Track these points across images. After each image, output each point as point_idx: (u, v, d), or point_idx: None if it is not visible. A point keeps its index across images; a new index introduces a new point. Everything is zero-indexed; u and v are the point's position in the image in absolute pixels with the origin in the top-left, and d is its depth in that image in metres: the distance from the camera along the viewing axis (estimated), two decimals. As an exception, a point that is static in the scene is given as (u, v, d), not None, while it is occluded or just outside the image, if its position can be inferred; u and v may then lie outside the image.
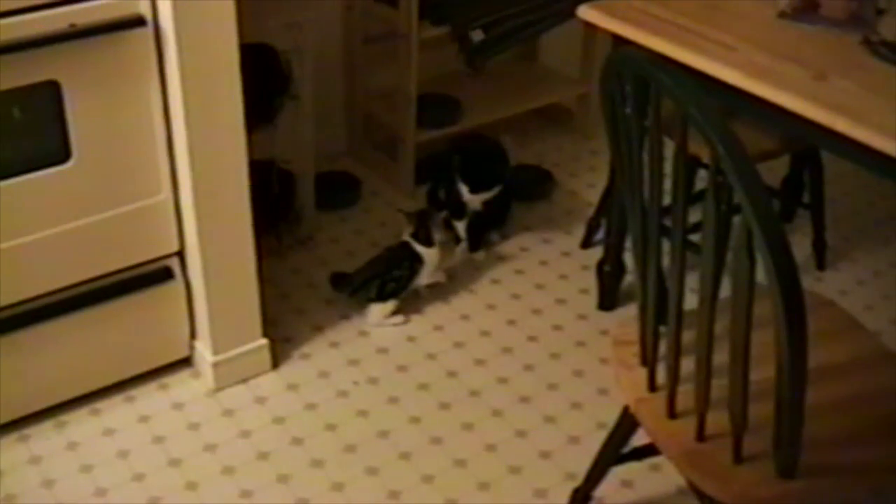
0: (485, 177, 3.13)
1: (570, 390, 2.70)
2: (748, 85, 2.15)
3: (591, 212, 3.29)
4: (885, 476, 1.75)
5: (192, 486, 2.39)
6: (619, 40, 2.45)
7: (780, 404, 1.56)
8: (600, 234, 3.15)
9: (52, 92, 2.19)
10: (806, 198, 3.19)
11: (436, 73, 3.59)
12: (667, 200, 1.70)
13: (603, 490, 2.30)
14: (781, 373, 1.50)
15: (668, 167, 1.60)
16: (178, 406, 2.61)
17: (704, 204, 1.52)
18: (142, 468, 2.43)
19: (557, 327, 2.94)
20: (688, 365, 1.72)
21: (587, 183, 3.64)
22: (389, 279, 2.89)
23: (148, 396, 2.64)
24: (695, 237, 2.18)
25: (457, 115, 3.49)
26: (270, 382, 2.70)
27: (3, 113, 2.21)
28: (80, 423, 2.54)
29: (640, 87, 1.60)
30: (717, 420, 1.71)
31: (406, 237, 2.95)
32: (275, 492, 2.38)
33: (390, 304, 2.90)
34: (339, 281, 2.96)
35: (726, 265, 1.59)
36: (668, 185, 1.64)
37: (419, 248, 2.93)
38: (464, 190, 3.12)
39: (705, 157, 2.61)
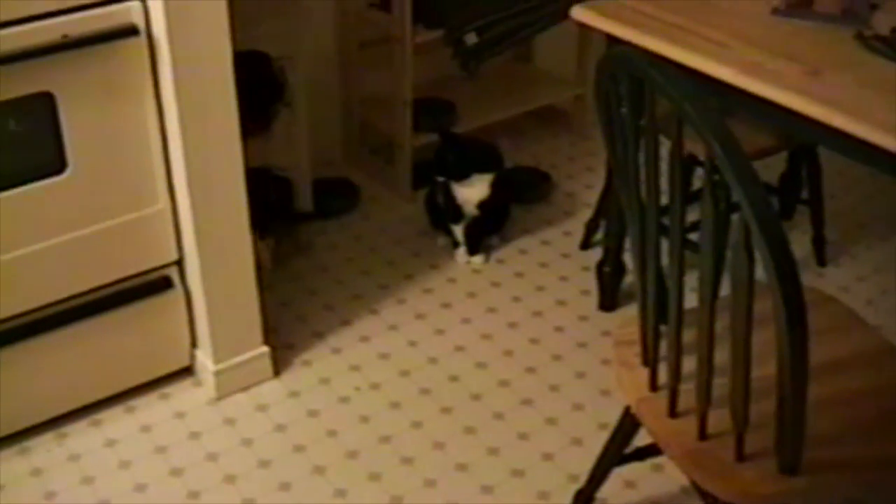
0: (468, 168, 3.12)
1: (571, 392, 2.70)
2: (742, 82, 2.14)
3: (589, 213, 3.29)
4: (888, 471, 1.74)
5: (194, 495, 2.38)
6: (612, 40, 2.45)
7: (781, 401, 1.56)
8: (599, 235, 3.14)
9: (46, 103, 2.19)
10: (805, 194, 3.19)
11: (431, 78, 3.59)
12: (665, 200, 1.69)
13: (606, 491, 2.30)
14: (783, 370, 1.50)
15: (665, 166, 1.59)
16: (179, 415, 2.60)
17: (702, 202, 1.51)
18: (143, 478, 2.42)
19: (558, 329, 2.93)
20: (689, 364, 1.71)
21: (585, 184, 3.63)
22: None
23: (149, 406, 2.63)
24: (694, 236, 2.18)
25: (453, 118, 3.49)
26: (272, 390, 2.69)
27: (-3, 125, 2.21)
28: (81, 435, 2.54)
29: (634, 86, 1.60)
30: (719, 418, 1.70)
31: None
32: (277, 499, 2.37)
33: None
34: None
35: (726, 263, 1.58)
36: (665, 184, 1.64)
37: None
38: (445, 181, 3.12)
39: (702, 155, 2.60)
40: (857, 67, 2.17)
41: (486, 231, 3.25)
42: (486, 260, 3.23)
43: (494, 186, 3.14)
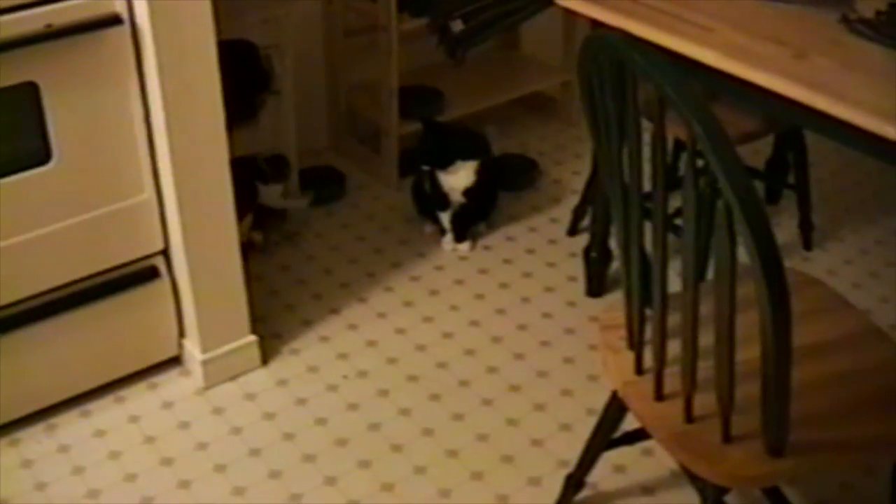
0: (452, 155, 3.12)
1: (560, 378, 2.70)
2: (727, 66, 2.14)
3: (576, 199, 3.29)
4: (874, 452, 1.75)
5: (184, 484, 2.39)
6: (597, 26, 2.45)
7: (766, 383, 1.56)
8: (587, 222, 3.14)
9: (30, 93, 2.18)
10: (791, 179, 3.19)
11: (417, 65, 3.59)
12: (649, 185, 1.69)
13: (596, 476, 2.30)
14: (766, 352, 1.50)
15: (649, 151, 1.59)
16: (168, 405, 2.61)
17: (684, 184, 1.52)
18: (133, 468, 2.42)
19: (546, 315, 2.94)
20: (675, 347, 1.72)
21: (572, 170, 3.64)
22: None
23: (138, 396, 2.63)
24: (681, 220, 2.18)
25: (440, 106, 3.49)
26: (260, 379, 2.69)
27: (-19, 116, 2.21)
28: (71, 425, 2.54)
29: (616, 69, 1.60)
30: (705, 401, 1.71)
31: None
32: (267, 488, 2.38)
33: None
34: None
35: (712, 247, 1.58)
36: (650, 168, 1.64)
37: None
38: (430, 169, 3.12)
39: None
40: (841, 50, 2.17)
41: (473, 218, 3.25)
42: (473, 247, 3.23)
43: (480, 173, 3.14)
